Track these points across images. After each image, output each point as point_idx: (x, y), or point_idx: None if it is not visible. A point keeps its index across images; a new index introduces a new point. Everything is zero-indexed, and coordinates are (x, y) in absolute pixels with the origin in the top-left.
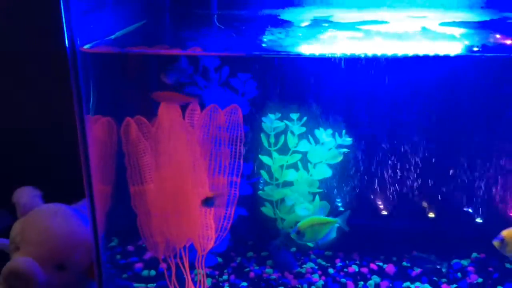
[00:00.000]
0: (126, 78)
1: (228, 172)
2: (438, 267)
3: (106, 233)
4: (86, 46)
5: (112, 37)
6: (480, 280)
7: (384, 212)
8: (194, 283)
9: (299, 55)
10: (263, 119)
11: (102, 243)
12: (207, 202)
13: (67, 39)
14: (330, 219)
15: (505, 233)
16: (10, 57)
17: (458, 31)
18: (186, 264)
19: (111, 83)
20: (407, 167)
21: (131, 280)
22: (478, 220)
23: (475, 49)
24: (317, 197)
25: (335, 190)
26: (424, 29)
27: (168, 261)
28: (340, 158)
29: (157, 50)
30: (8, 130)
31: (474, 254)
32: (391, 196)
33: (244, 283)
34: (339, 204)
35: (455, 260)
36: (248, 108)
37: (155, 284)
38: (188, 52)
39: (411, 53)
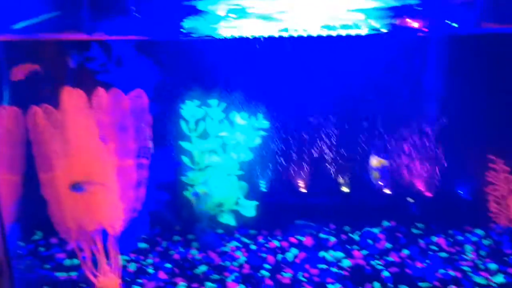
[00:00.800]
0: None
1: (135, 155)
2: (314, 232)
3: (27, 226)
4: None
5: (17, 26)
6: (389, 245)
7: (303, 190)
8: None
9: (211, 37)
10: (182, 106)
11: (15, 236)
12: (75, 186)
13: None
14: None
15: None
16: None
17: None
18: (100, 247)
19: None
20: (322, 147)
21: (53, 270)
22: (387, 191)
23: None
24: (235, 178)
25: (255, 171)
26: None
27: (83, 245)
28: (258, 141)
29: (61, 36)
30: None
31: (385, 223)
32: (308, 175)
33: (169, 265)
34: (260, 185)
35: (366, 229)
36: (163, 94)
37: (77, 273)
38: (92, 37)
39: (315, 34)
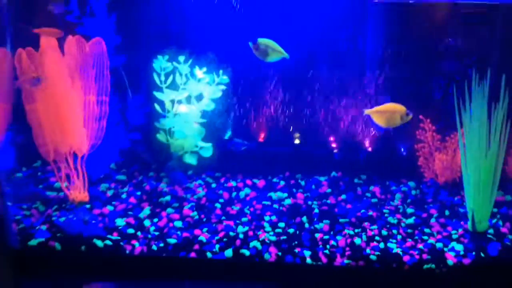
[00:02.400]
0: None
1: (96, 92)
2: (244, 148)
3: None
4: None
5: None
6: (329, 190)
7: (261, 140)
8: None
9: None
10: (154, 60)
11: (11, 157)
12: (33, 82)
13: None
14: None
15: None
16: None
17: None
18: (71, 165)
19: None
20: (279, 101)
21: (45, 189)
22: (334, 145)
23: None
24: (195, 124)
25: (216, 119)
26: None
27: (59, 165)
28: (219, 94)
29: None
30: None
31: (333, 173)
32: (265, 126)
33: (138, 192)
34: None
35: (315, 177)
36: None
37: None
38: None
39: None
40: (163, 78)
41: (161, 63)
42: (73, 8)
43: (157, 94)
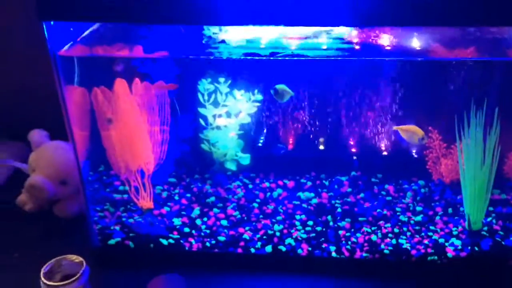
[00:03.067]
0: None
1: (159, 124)
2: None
3: (93, 161)
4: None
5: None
6: (349, 189)
7: (290, 146)
8: (155, 195)
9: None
10: (199, 83)
11: (87, 168)
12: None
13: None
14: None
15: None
16: None
17: None
18: (139, 181)
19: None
20: (304, 116)
21: (111, 192)
22: (354, 150)
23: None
24: (235, 136)
25: (251, 132)
26: None
27: (129, 179)
28: (254, 110)
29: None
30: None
31: (353, 173)
32: (293, 134)
33: (188, 194)
34: (256, 142)
35: (337, 177)
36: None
37: (127, 195)
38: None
39: None
40: (206, 97)
41: (204, 84)
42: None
43: (201, 110)
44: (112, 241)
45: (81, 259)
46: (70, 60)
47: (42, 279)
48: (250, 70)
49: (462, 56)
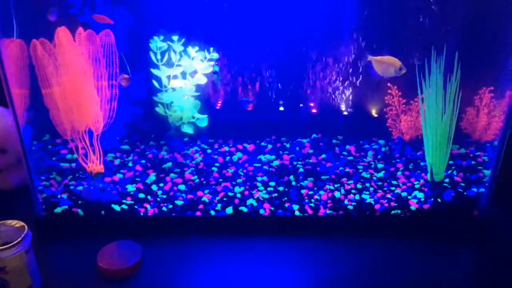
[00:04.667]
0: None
1: (107, 78)
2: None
3: (37, 129)
4: None
5: None
6: (311, 151)
7: (248, 109)
8: (107, 162)
9: None
10: (150, 40)
11: (29, 134)
12: None
13: None
14: None
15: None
16: None
17: None
18: (88, 143)
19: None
20: (264, 74)
21: (58, 161)
22: (314, 111)
23: None
24: (190, 98)
25: (208, 92)
26: None
27: (76, 141)
28: (209, 69)
29: None
30: None
31: (314, 135)
32: (252, 96)
33: (143, 161)
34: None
35: (298, 139)
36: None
37: (75, 163)
38: None
39: None
40: (159, 56)
41: (156, 43)
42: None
43: (154, 71)
44: (58, 210)
45: (22, 223)
46: (4, 10)
47: None
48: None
49: None
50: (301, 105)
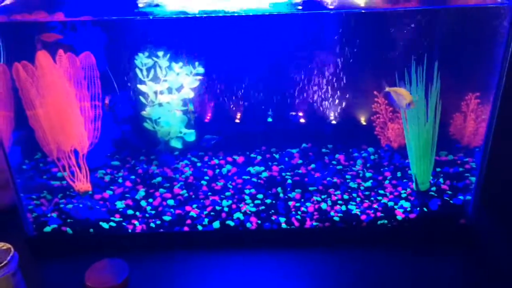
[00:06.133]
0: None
1: (89, 99)
2: (213, 142)
3: (28, 147)
4: None
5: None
6: (300, 161)
7: (237, 121)
8: (97, 179)
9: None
10: (135, 57)
11: (17, 154)
12: None
13: None
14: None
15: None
16: None
17: None
18: (74, 162)
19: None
20: (251, 88)
21: (48, 179)
22: (302, 120)
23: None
24: (176, 113)
25: (194, 107)
26: None
27: (62, 160)
28: (196, 83)
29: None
30: None
31: (303, 145)
32: (240, 108)
33: (133, 176)
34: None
35: (287, 150)
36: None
37: (65, 182)
38: (54, 18)
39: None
40: (145, 72)
41: (141, 59)
42: (55, 25)
43: (140, 87)
44: (48, 229)
45: (8, 245)
46: None
47: None
48: (185, 35)
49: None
50: (292, 113)
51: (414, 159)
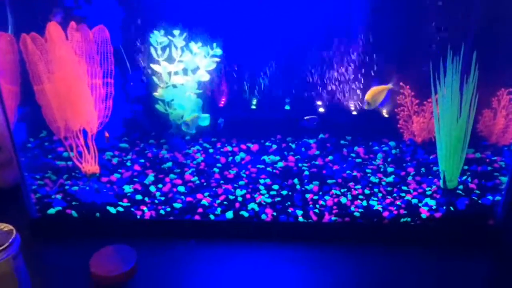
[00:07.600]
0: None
1: (101, 76)
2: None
3: (33, 125)
4: None
5: None
6: (317, 152)
7: (253, 107)
8: (105, 161)
9: None
10: (150, 35)
11: (23, 131)
12: None
13: None
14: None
15: (367, 96)
16: None
17: None
18: (82, 142)
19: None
20: (269, 73)
21: (54, 159)
22: (321, 110)
23: None
24: (191, 96)
25: (212, 90)
26: None
27: (70, 139)
28: (213, 66)
29: None
30: None
31: (321, 135)
32: (256, 95)
33: (142, 160)
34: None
35: (304, 140)
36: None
37: (71, 162)
38: None
39: None
40: (159, 52)
41: (157, 37)
42: None
43: (154, 67)
44: (52, 211)
45: (10, 227)
46: None
47: None
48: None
49: None
50: (306, 117)
51: (443, 154)
